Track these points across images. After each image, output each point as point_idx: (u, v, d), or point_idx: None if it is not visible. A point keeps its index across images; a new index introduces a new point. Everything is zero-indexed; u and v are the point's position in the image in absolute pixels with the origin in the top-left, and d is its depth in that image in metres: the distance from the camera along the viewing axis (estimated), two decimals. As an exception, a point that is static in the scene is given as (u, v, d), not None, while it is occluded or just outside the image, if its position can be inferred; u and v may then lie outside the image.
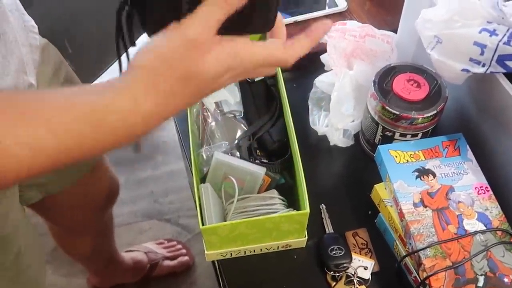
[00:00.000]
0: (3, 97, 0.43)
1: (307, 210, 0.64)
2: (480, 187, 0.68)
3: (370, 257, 0.72)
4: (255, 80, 0.79)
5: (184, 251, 1.64)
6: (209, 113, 0.76)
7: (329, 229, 0.74)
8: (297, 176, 0.69)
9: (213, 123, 0.75)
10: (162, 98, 0.43)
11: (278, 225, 0.66)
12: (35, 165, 0.43)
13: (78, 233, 1.24)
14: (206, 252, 0.70)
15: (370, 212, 0.76)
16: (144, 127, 0.45)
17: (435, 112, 0.71)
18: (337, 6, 0.99)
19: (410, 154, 0.71)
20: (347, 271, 0.70)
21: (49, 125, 0.41)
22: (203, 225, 0.64)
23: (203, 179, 0.74)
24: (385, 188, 0.72)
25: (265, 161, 0.73)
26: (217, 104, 0.78)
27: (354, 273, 0.69)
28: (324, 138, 0.83)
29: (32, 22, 0.80)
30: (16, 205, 0.85)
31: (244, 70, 0.46)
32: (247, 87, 0.79)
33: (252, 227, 0.65)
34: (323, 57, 0.87)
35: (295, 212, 0.65)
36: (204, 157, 0.74)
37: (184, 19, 0.42)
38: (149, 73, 0.43)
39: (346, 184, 0.81)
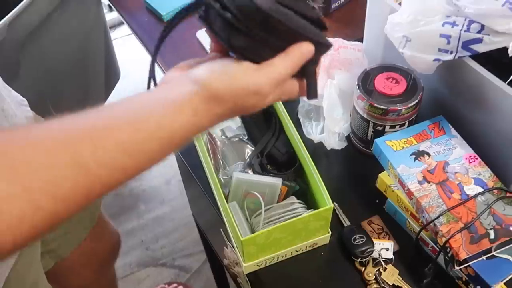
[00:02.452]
0: (69, 121, 0.45)
1: (331, 205, 0.71)
2: (470, 156, 0.78)
3: (389, 239, 0.79)
4: (252, 103, 0.86)
5: (187, 290, 1.66)
6: (217, 140, 0.83)
7: (346, 223, 0.82)
8: (311, 178, 0.77)
9: (224, 148, 0.82)
10: (216, 119, 0.49)
11: (307, 224, 0.73)
12: (113, 181, 0.45)
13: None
14: (244, 265, 0.75)
15: (377, 201, 0.84)
16: (195, 136, 0.50)
17: (416, 101, 0.81)
18: (301, 28, 1.09)
19: (404, 141, 0.80)
20: (372, 255, 0.77)
21: (123, 147, 0.44)
22: (242, 237, 0.70)
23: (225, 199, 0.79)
24: (389, 175, 0.81)
25: (278, 172, 0.80)
26: (222, 131, 0.85)
27: (379, 255, 0.77)
28: (320, 145, 0.91)
29: (21, 97, 0.85)
30: (42, 273, 0.87)
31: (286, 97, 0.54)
32: (245, 111, 0.86)
33: (285, 230, 0.72)
34: (303, 74, 0.96)
35: (321, 209, 0.72)
36: (222, 180, 0.80)
37: (262, 69, 0.49)
38: (212, 96, 0.47)
39: (350, 181, 0.89)
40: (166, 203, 1.95)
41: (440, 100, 0.86)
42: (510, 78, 0.71)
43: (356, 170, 0.90)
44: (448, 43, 0.74)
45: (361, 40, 0.97)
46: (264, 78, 0.48)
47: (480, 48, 0.73)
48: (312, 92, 0.54)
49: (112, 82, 1.52)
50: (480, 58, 0.75)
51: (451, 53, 0.75)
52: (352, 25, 1.07)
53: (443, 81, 0.83)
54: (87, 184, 0.43)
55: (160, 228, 1.89)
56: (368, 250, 0.77)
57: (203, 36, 1.10)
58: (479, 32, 0.73)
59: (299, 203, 0.77)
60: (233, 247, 0.81)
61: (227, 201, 0.79)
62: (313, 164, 0.76)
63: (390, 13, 0.81)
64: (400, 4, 0.81)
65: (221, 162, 0.81)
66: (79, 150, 0.42)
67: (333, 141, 0.88)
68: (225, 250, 0.94)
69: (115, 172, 0.44)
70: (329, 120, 0.86)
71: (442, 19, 0.75)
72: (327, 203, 0.72)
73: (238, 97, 0.48)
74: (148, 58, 1.20)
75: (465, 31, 0.73)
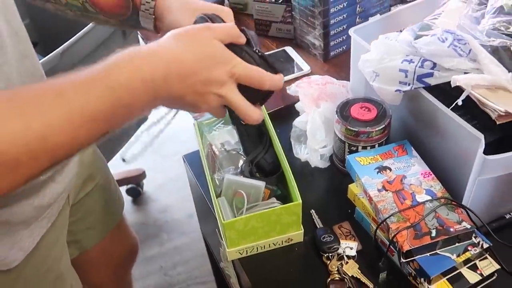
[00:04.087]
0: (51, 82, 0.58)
1: (300, 201, 0.86)
2: (425, 173, 0.91)
3: (354, 240, 0.93)
4: (248, 122, 1.04)
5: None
6: (217, 151, 1.00)
7: (319, 225, 0.96)
8: (287, 177, 0.92)
9: (221, 156, 0.99)
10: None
11: (280, 217, 0.87)
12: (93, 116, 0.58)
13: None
14: (227, 250, 0.90)
15: (349, 210, 0.98)
16: (150, 96, 0.62)
17: (384, 126, 0.96)
18: (302, 70, 1.28)
19: (371, 158, 0.95)
20: (337, 251, 0.90)
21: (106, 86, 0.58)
22: (224, 220, 0.85)
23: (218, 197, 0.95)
24: (357, 186, 0.95)
25: (263, 177, 0.96)
26: (222, 144, 1.02)
27: (343, 251, 0.90)
28: (306, 164, 1.07)
29: None
30: (65, 251, 1.04)
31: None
32: (242, 129, 1.03)
33: (261, 220, 0.86)
34: (297, 105, 1.13)
35: (291, 203, 0.86)
36: (217, 181, 0.96)
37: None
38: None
39: (328, 194, 1.03)
40: (186, 234, 2.11)
41: (407, 127, 1.00)
42: (453, 105, 0.85)
43: (334, 185, 1.04)
44: (406, 76, 0.90)
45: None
46: None
47: (432, 81, 0.89)
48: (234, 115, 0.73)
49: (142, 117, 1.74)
50: (435, 90, 0.90)
51: (409, 85, 0.90)
52: (347, 69, 1.24)
53: (407, 111, 0.99)
54: (69, 115, 0.55)
55: (178, 256, 2.04)
56: (334, 246, 0.90)
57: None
58: (432, 68, 0.89)
59: (278, 203, 0.92)
60: (221, 238, 0.96)
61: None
62: (290, 170, 0.91)
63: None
64: (372, 46, 0.98)
65: (218, 168, 0.98)
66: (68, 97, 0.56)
67: (315, 159, 1.04)
68: (221, 251, 1.08)
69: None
70: (311, 140, 1.02)
71: (402, 58, 0.92)
72: (297, 199, 0.86)
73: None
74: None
75: (419, 67, 0.89)
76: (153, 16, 0.80)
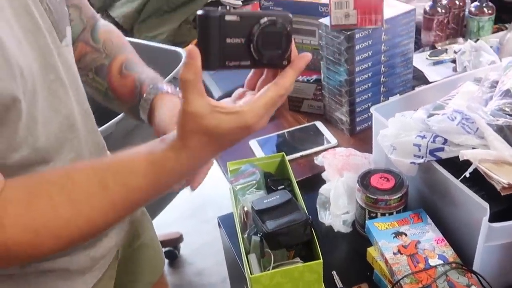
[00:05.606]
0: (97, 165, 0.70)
1: (321, 260, 0.95)
2: (438, 239, 0.99)
3: (372, 301, 1.00)
4: (278, 188, 1.15)
5: None
6: (248, 210, 1.11)
7: (339, 285, 1.03)
8: (313, 239, 1.01)
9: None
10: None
11: (302, 275, 0.96)
12: (132, 201, 0.70)
13: None
14: (254, 305, 0.98)
15: (368, 273, 1.05)
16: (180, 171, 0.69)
17: (401, 194, 1.05)
18: (330, 143, 1.40)
19: (388, 224, 1.04)
20: (355, 310, 0.97)
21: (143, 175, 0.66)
22: (252, 274, 0.94)
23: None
24: (375, 249, 1.03)
25: (289, 238, 1.05)
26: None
27: (361, 310, 0.97)
28: (330, 228, 1.16)
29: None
30: None
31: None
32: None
33: (285, 276, 0.95)
34: (323, 174, 1.24)
35: (313, 262, 0.95)
36: (247, 239, 1.06)
37: (244, 106, 0.64)
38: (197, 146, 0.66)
39: (349, 257, 1.11)
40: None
41: (422, 196, 1.09)
42: (462, 176, 0.94)
43: (355, 248, 1.12)
44: (419, 150, 1.00)
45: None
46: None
47: (443, 155, 0.98)
48: None
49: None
50: (447, 163, 1.00)
51: (422, 158, 1.00)
52: (371, 142, 1.35)
53: (422, 181, 1.08)
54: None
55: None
56: (352, 305, 0.97)
57: (254, 144, 1.43)
58: (443, 143, 0.99)
59: (301, 262, 1.01)
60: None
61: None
62: (314, 231, 1.01)
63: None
64: (390, 122, 1.09)
65: (249, 226, 1.08)
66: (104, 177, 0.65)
67: (338, 224, 1.13)
68: (249, 308, 1.16)
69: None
70: (334, 206, 1.12)
71: (416, 134, 1.02)
72: (319, 258, 0.95)
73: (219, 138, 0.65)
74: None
75: (431, 142, 0.99)
76: (149, 107, 0.91)
